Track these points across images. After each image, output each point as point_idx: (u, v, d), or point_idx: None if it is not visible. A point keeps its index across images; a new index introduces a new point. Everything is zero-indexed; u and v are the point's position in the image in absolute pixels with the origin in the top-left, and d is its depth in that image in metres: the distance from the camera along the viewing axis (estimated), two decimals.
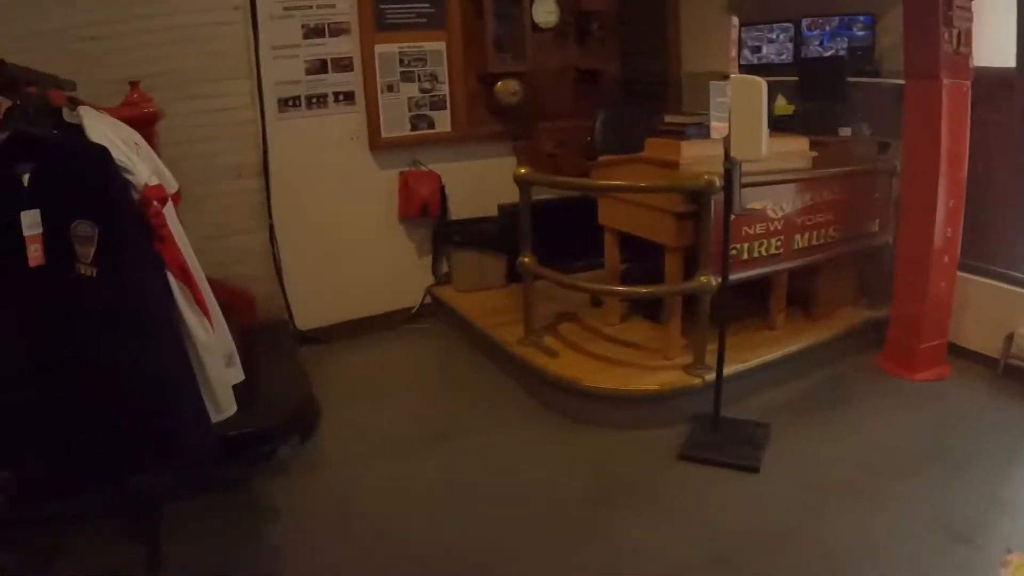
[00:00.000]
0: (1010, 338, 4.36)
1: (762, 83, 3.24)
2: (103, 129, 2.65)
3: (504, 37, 5.89)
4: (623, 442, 3.98)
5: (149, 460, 2.78)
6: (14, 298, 2.58)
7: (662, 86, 6.79)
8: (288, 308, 5.81)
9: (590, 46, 6.33)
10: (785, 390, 4.40)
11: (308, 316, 5.89)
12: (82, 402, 2.63)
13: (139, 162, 2.66)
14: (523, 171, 4.48)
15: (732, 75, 3.45)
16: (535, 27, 6.02)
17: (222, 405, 2.89)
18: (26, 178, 2.51)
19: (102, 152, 2.50)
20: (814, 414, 4.16)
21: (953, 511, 3.26)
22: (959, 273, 4.51)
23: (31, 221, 2.49)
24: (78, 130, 2.62)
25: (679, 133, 5.29)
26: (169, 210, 2.76)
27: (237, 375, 3.08)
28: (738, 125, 3.35)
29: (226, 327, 3.05)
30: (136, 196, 2.59)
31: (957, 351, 4.67)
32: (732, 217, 3.64)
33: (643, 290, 4.36)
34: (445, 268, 6.20)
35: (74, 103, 2.81)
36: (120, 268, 2.52)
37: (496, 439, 4.16)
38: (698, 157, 3.99)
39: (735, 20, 3.80)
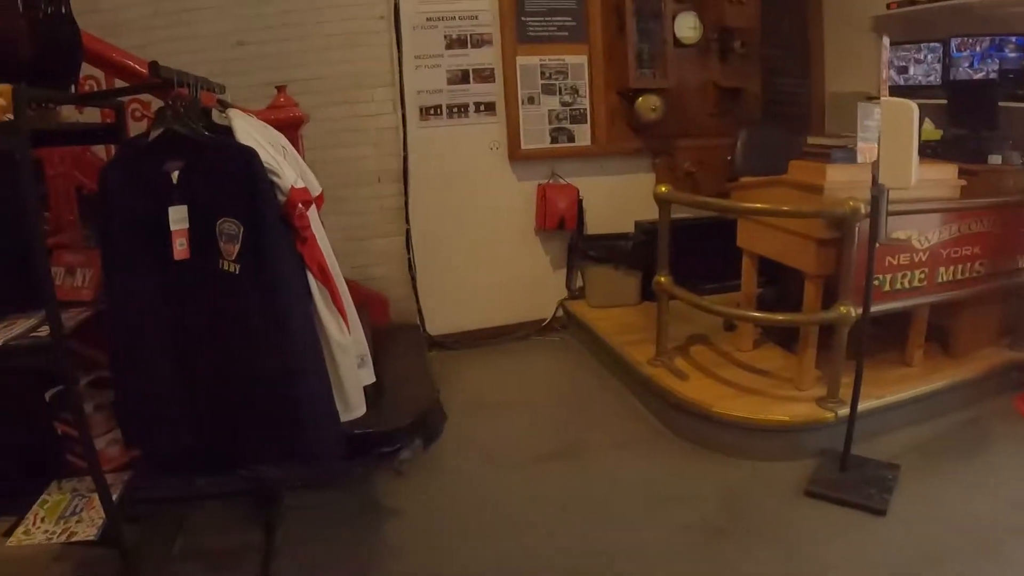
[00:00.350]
0: None
1: (914, 107, 3.12)
2: (251, 131, 2.73)
3: (645, 52, 5.86)
4: (748, 472, 3.88)
5: (277, 452, 2.85)
6: (159, 289, 2.68)
7: (804, 106, 6.64)
8: (420, 312, 5.91)
9: (732, 63, 6.21)
10: (918, 430, 4.19)
11: (439, 321, 5.98)
12: (217, 390, 2.71)
13: (285, 165, 2.73)
14: (664, 189, 4.44)
15: (883, 98, 3.34)
16: (677, 43, 5.98)
17: (352, 404, 2.95)
18: (175, 175, 2.60)
19: (251, 153, 2.57)
20: (947, 458, 3.96)
21: None
22: None
23: (178, 216, 2.59)
24: (227, 131, 2.71)
25: (823, 156, 5.15)
26: (312, 212, 2.83)
27: (368, 376, 3.14)
28: (887, 150, 3.23)
29: (361, 329, 3.10)
30: (282, 198, 2.65)
31: None
32: (876, 246, 3.54)
33: (780, 317, 4.25)
34: (579, 282, 6.20)
35: (223, 105, 2.90)
36: (262, 267, 2.59)
37: (618, 460, 4.12)
38: (843, 182, 3.86)
39: (886, 40, 3.67)
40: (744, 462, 3.95)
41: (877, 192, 3.36)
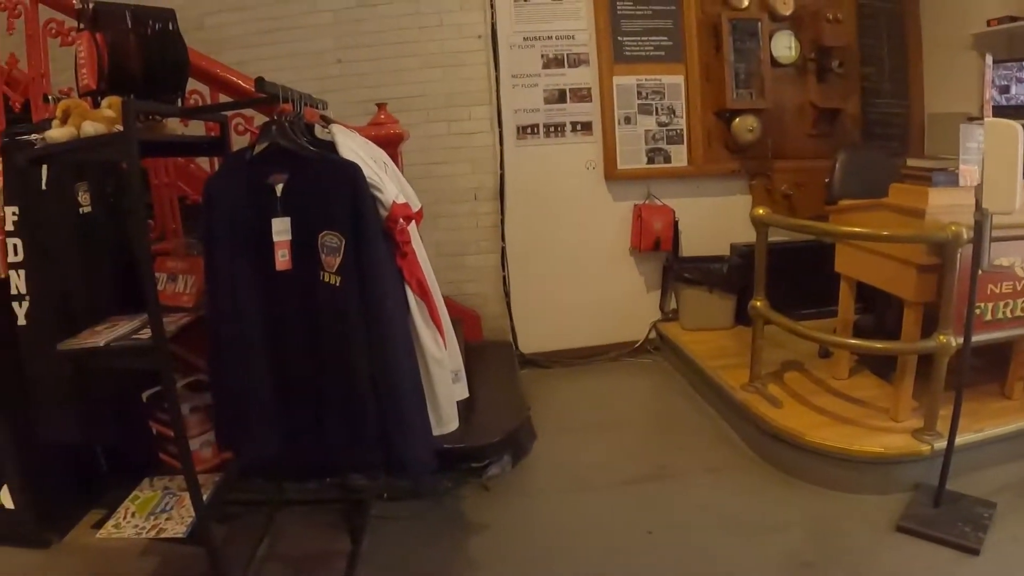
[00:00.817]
0: None
1: (1019, 129, 3.01)
2: (354, 147, 2.80)
3: (742, 72, 5.82)
4: (838, 504, 3.78)
5: (370, 462, 2.90)
6: (260, 298, 2.76)
7: (903, 127, 6.51)
8: (513, 330, 5.95)
9: (829, 83, 6.13)
10: (1016, 467, 4.01)
11: (531, 339, 6.03)
12: (312, 399, 2.78)
13: (387, 180, 2.78)
14: (761, 212, 4.36)
15: (986, 119, 3.26)
16: (774, 62, 5.93)
17: (445, 419, 2.98)
18: (279, 188, 2.68)
19: (354, 169, 2.64)
20: None
21: None
22: None
23: (281, 228, 2.68)
24: (330, 146, 2.78)
25: (923, 178, 5.05)
26: (412, 228, 2.87)
27: (462, 392, 3.17)
28: (991, 174, 3.11)
29: (456, 344, 3.14)
30: (383, 212, 2.70)
31: None
32: (980, 273, 3.44)
33: (878, 345, 4.13)
34: (672, 304, 6.15)
35: (326, 121, 2.97)
36: (363, 280, 2.64)
37: (707, 486, 4.07)
38: (945, 206, 3.74)
39: (990, 59, 3.56)
40: (835, 493, 3.86)
41: (980, 217, 3.26)
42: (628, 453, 4.48)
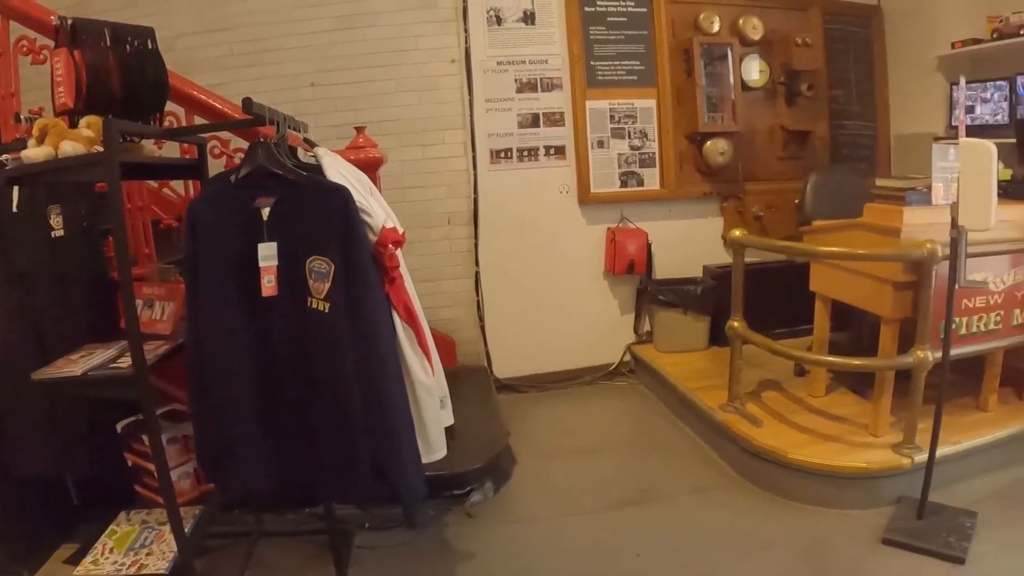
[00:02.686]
0: None
1: (992, 148, 3.05)
2: (340, 170, 2.79)
3: (714, 96, 5.88)
4: (823, 520, 3.79)
5: (361, 491, 2.83)
6: (244, 325, 2.70)
7: (871, 149, 6.62)
8: (487, 355, 5.93)
9: (799, 106, 6.24)
10: (994, 477, 4.06)
11: (506, 364, 6.01)
12: (300, 429, 2.73)
13: (375, 204, 2.78)
14: (738, 233, 4.39)
15: (961, 139, 3.31)
16: (744, 86, 6.01)
17: (433, 446, 2.96)
18: (266, 212, 2.63)
19: (344, 192, 2.62)
20: None
21: None
22: None
23: (267, 253, 2.63)
24: (317, 170, 2.76)
25: (894, 198, 5.10)
26: (399, 253, 2.87)
27: (448, 418, 3.16)
28: (966, 192, 3.17)
29: (442, 370, 3.11)
30: (372, 237, 2.69)
31: None
32: (956, 289, 3.48)
33: (857, 362, 4.18)
34: (647, 327, 6.16)
35: (310, 144, 2.96)
36: (353, 306, 2.62)
37: (692, 507, 4.04)
38: (920, 225, 3.79)
39: (963, 81, 3.63)
40: (819, 509, 3.86)
41: (957, 234, 3.31)
42: (611, 476, 4.48)
